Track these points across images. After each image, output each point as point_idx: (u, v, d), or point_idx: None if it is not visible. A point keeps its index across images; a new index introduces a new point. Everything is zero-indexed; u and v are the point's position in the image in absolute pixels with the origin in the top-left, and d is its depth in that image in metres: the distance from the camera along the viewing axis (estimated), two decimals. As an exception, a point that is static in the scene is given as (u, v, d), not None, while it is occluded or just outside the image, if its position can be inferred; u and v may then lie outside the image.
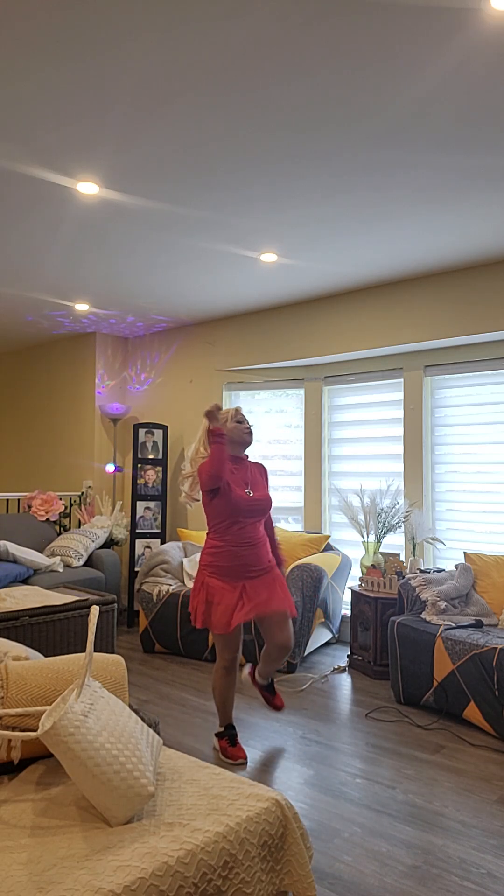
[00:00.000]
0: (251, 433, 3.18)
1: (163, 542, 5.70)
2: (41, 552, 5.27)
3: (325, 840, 2.41)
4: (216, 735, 3.17)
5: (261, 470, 3.26)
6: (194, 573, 4.91)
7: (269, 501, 3.13)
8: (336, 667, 4.41)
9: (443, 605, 3.80)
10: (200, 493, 3.12)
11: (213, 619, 2.98)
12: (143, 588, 4.82)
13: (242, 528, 3.03)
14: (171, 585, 4.77)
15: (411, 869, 2.24)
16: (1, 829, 1.66)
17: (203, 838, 1.61)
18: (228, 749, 3.08)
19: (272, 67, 2.21)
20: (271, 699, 3.31)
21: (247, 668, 3.38)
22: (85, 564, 5.27)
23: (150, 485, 5.74)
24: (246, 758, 3.06)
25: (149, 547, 5.67)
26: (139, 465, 5.74)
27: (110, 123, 2.56)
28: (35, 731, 1.95)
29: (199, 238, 3.77)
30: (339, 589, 4.82)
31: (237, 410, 3.18)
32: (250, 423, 3.40)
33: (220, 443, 3.00)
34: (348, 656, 4.47)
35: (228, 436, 3.13)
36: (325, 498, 5.37)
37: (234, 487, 3.03)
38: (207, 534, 3.10)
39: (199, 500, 3.18)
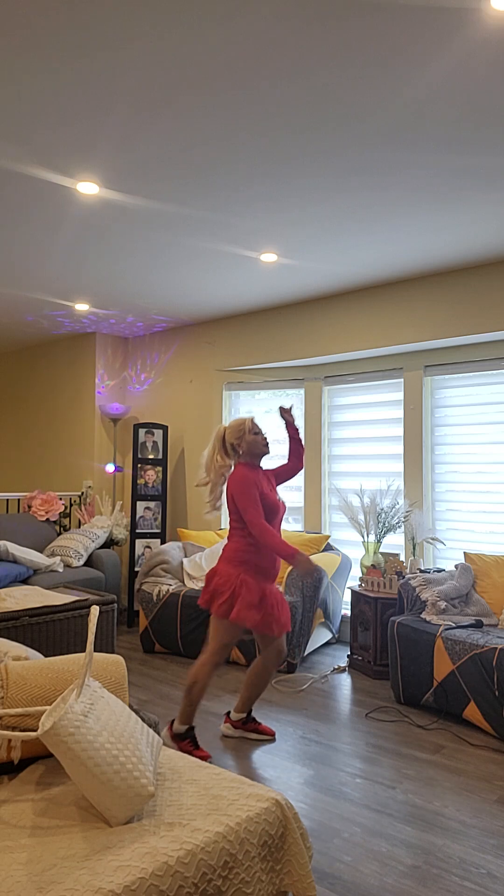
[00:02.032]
0: (268, 444, 3.25)
1: (163, 542, 5.70)
2: (41, 552, 5.27)
3: (325, 840, 2.41)
4: (177, 735, 3.10)
5: (270, 472, 3.35)
6: (194, 573, 4.91)
7: (285, 507, 3.33)
8: (336, 667, 4.41)
9: (443, 605, 3.80)
10: (225, 499, 3.15)
11: (239, 611, 3.00)
12: (143, 588, 4.82)
13: (273, 527, 3.17)
14: (171, 585, 4.77)
15: (411, 869, 2.24)
16: (1, 829, 1.66)
17: (203, 838, 1.61)
18: (194, 752, 3.06)
19: (272, 68, 2.21)
20: (260, 727, 3.32)
21: (225, 726, 3.36)
22: (85, 564, 5.27)
23: (150, 485, 5.74)
24: (210, 756, 3.08)
25: (149, 547, 5.67)
26: (139, 465, 5.74)
27: (110, 123, 2.56)
28: (35, 731, 1.95)
29: (200, 238, 3.77)
30: (339, 589, 4.82)
31: (252, 421, 3.23)
32: (266, 433, 3.49)
33: (257, 468, 3.22)
34: (348, 656, 4.47)
35: (247, 448, 3.20)
36: (325, 498, 5.37)
37: (268, 493, 3.15)
38: (237, 535, 3.14)
39: (219, 509, 3.28)
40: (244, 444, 3.19)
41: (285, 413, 3.39)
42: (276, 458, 5.58)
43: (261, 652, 3.25)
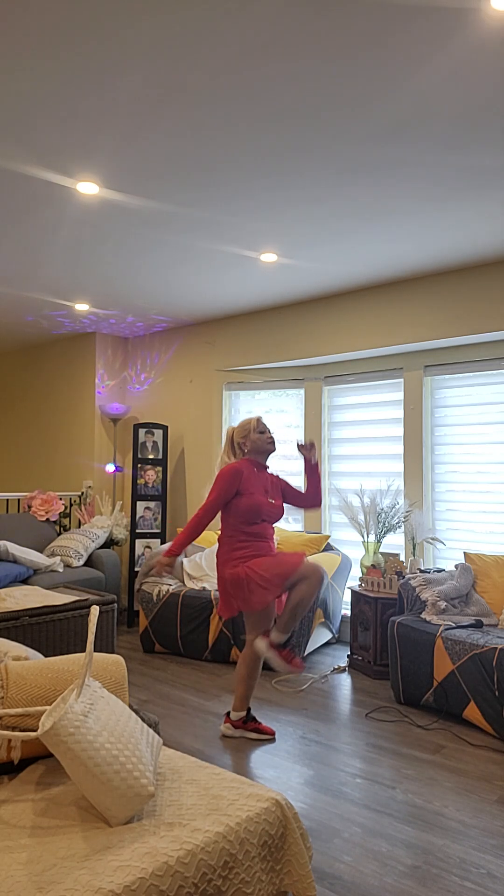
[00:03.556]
0: (273, 442, 3.36)
1: (163, 542, 5.70)
2: (41, 552, 5.27)
3: (325, 840, 2.41)
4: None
5: (279, 481, 3.41)
6: (194, 573, 4.91)
7: (283, 511, 3.36)
8: (336, 667, 4.41)
9: (443, 605, 3.80)
10: (212, 490, 3.25)
11: (254, 598, 3.10)
12: (143, 588, 4.82)
13: (259, 526, 3.24)
14: (171, 585, 4.77)
15: (411, 869, 2.24)
16: (1, 829, 1.66)
17: (203, 838, 1.61)
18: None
19: (272, 68, 2.21)
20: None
21: (225, 726, 3.38)
22: (85, 564, 5.27)
23: (150, 485, 5.74)
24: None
25: (149, 547, 5.67)
26: (139, 465, 5.74)
27: (110, 123, 2.56)
28: (35, 731, 1.95)
29: (200, 238, 3.77)
30: (339, 589, 4.82)
31: (259, 420, 3.34)
32: (272, 432, 3.55)
33: (262, 466, 3.34)
34: (348, 656, 4.47)
35: (252, 446, 3.31)
36: (325, 498, 5.38)
37: (255, 492, 3.23)
38: (225, 535, 3.25)
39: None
40: (249, 441, 3.31)
41: (302, 449, 3.39)
42: (277, 457, 5.58)
43: (245, 645, 3.32)
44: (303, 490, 3.45)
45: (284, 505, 3.61)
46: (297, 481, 5.53)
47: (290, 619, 3.17)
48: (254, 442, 3.30)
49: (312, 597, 3.13)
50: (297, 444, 3.40)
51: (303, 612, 3.16)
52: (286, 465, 5.58)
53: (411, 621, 3.76)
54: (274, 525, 3.35)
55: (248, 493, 3.20)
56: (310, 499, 3.40)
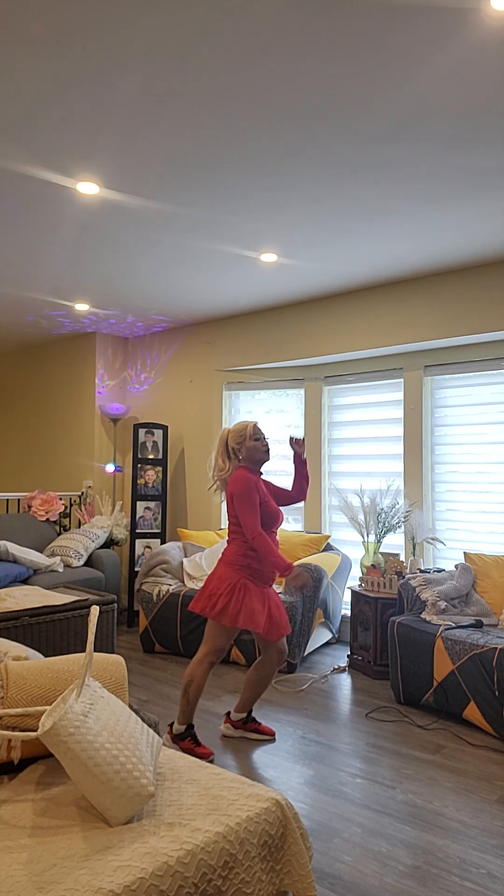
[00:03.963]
0: (269, 451, 3.25)
1: (163, 542, 5.70)
2: (41, 552, 5.27)
3: (325, 840, 2.41)
4: (177, 736, 3.11)
5: (270, 485, 3.37)
6: (194, 573, 4.91)
7: (283, 515, 3.35)
8: (336, 667, 4.41)
9: (443, 605, 3.80)
10: (225, 497, 3.21)
11: (242, 615, 3.02)
12: (143, 588, 4.82)
13: (272, 535, 3.18)
14: (171, 585, 4.77)
15: (411, 869, 2.24)
16: (1, 829, 1.66)
17: (203, 838, 1.61)
18: (196, 749, 3.07)
19: (272, 68, 2.21)
20: (260, 727, 3.32)
21: (225, 727, 3.36)
22: (85, 564, 5.27)
23: (150, 485, 5.74)
24: (213, 753, 3.09)
25: (149, 547, 5.67)
26: (139, 465, 5.74)
27: (110, 123, 2.56)
28: (35, 731, 1.95)
29: (199, 238, 3.77)
30: (339, 589, 4.82)
31: (255, 427, 3.22)
32: (267, 438, 3.48)
33: (258, 473, 3.25)
34: (348, 656, 4.47)
35: (247, 454, 3.20)
36: (325, 498, 5.37)
37: (268, 500, 3.17)
38: (237, 539, 3.15)
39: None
40: (244, 449, 3.19)
41: (295, 444, 3.36)
42: (277, 457, 5.58)
43: (261, 653, 3.26)
44: (290, 486, 3.42)
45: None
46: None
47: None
48: (249, 450, 3.18)
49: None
50: (291, 439, 3.36)
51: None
52: (287, 465, 5.58)
53: (411, 621, 3.76)
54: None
55: (265, 503, 3.13)
56: (296, 495, 3.35)
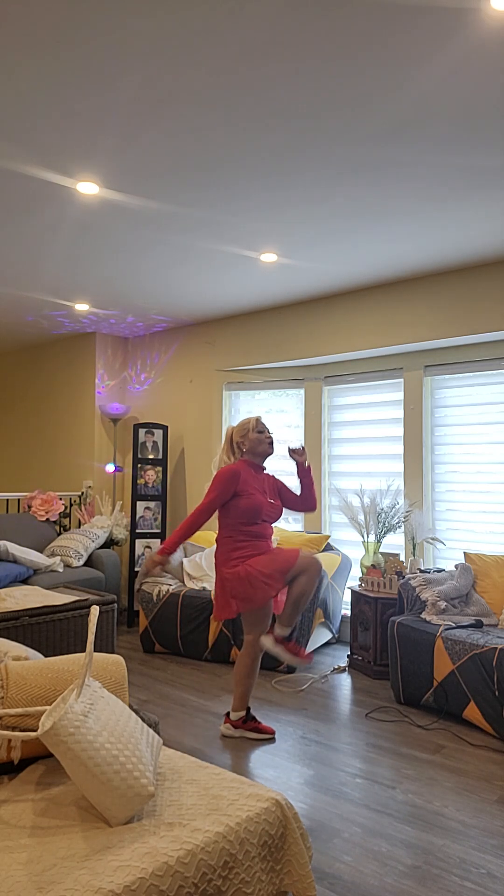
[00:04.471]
0: (272, 444, 3.33)
1: (163, 542, 5.70)
2: (41, 552, 5.27)
3: (325, 840, 2.41)
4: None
5: (277, 482, 3.40)
6: (194, 573, 4.91)
7: (282, 510, 3.35)
8: (336, 667, 4.41)
9: (443, 605, 3.80)
10: (210, 491, 3.24)
11: (257, 595, 3.10)
12: (143, 588, 4.82)
13: (259, 526, 3.23)
14: (171, 585, 4.77)
15: (411, 869, 2.24)
16: (1, 829, 1.66)
17: (203, 838, 1.61)
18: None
19: (272, 67, 2.21)
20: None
21: (225, 727, 3.36)
22: (85, 564, 5.27)
23: (150, 485, 5.74)
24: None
25: (149, 547, 5.68)
26: (139, 465, 5.74)
27: (110, 123, 2.56)
28: (35, 731, 1.95)
29: (199, 238, 3.77)
30: (339, 589, 4.82)
31: (258, 420, 3.31)
32: (271, 432, 3.53)
33: (259, 468, 3.32)
34: (348, 656, 4.47)
35: (250, 446, 3.30)
36: (325, 498, 5.37)
37: (254, 492, 3.21)
38: (224, 535, 3.24)
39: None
40: (247, 441, 3.30)
41: (294, 454, 3.36)
42: (277, 457, 5.58)
43: (243, 642, 3.32)
44: (298, 493, 3.43)
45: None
46: (293, 482, 5.53)
47: (293, 612, 3.17)
48: (252, 442, 3.28)
49: (313, 587, 3.15)
50: (289, 449, 3.37)
51: (304, 603, 3.17)
52: (286, 466, 5.58)
53: (411, 621, 3.76)
54: (273, 525, 3.35)
55: (246, 494, 3.19)
56: (305, 502, 3.39)
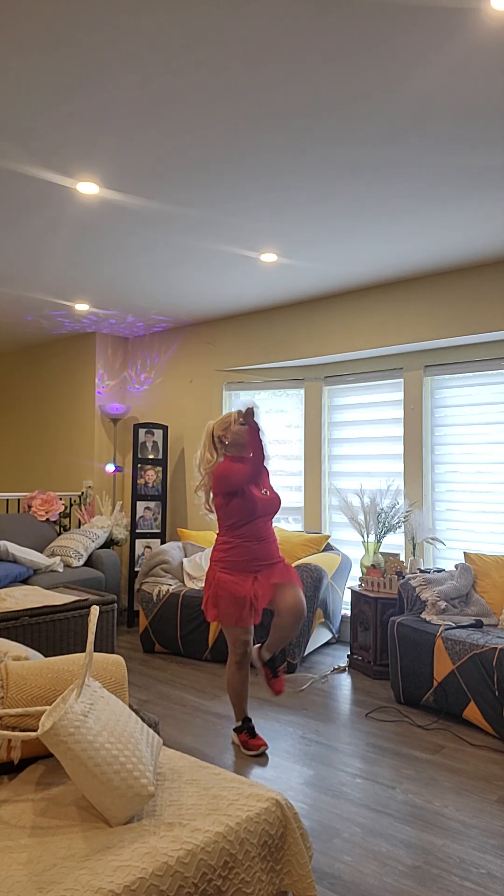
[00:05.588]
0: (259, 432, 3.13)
1: (163, 542, 5.70)
2: (41, 552, 5.27)
3: (325, 840, 2.41)
4: (234, 730, 3.21)
5: (265, 471, 3.27)
6: (194, 573, 4.91)
7: (280, 500, 3.20)
8: (336, 667, 4.41)
9: (443, 605, 3.80)
10: (213, 496, 3.14)
11: (223, 612, 3.03)
12: (143, 588, 4.82)
13: (255, 525, 3.10)
14: (171, 585, 4.77)
15: (411, 869, 2.24)
16: (1, 829, 1.66)
17: (203, 838, 1.61)
18: (249, 741, 3.14)
19: (272, 67, 2.21)
20: (271, 679, 3.19)
21: (255, 646, 3.27)
22: (85, 564, 5.26)
23: (150, 485, 5.74)
24: (266, 745, 3.15)
25: (149, 547, 5.67)
26: (139, 465, 5.74)
27: (110, 123, 2.56)
28: (35, 731, 1.94)
29: (200, 238, 3.77)
30: (339, 589, 4.82)
31: (239, 412, 3.15)
32: (260, 421, 3.29)
33: (245, 460, 3.09)
34: (348, 656, 4.47)
35: (233, 438, 3.14)
36: (325, 498, 5.37)
37: (251, 488, 3.09)
38: (219, 533, 3.16)
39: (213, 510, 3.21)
40: (230, 434, 3.13)
41: (244, 417, 3.12)
42: (279, 458, 5.58)
43: (276, 613, 3.12)
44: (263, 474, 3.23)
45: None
46: (297, 482, 5.53)
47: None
48: (235, 434, 3.11)
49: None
50: (239, 412, 3.11)
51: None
52: (287, 465, 5.58)
53: (411, 621, 3.76)
54: (272, 523, 3.22)
55: (241, 493, 3.05)
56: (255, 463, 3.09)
